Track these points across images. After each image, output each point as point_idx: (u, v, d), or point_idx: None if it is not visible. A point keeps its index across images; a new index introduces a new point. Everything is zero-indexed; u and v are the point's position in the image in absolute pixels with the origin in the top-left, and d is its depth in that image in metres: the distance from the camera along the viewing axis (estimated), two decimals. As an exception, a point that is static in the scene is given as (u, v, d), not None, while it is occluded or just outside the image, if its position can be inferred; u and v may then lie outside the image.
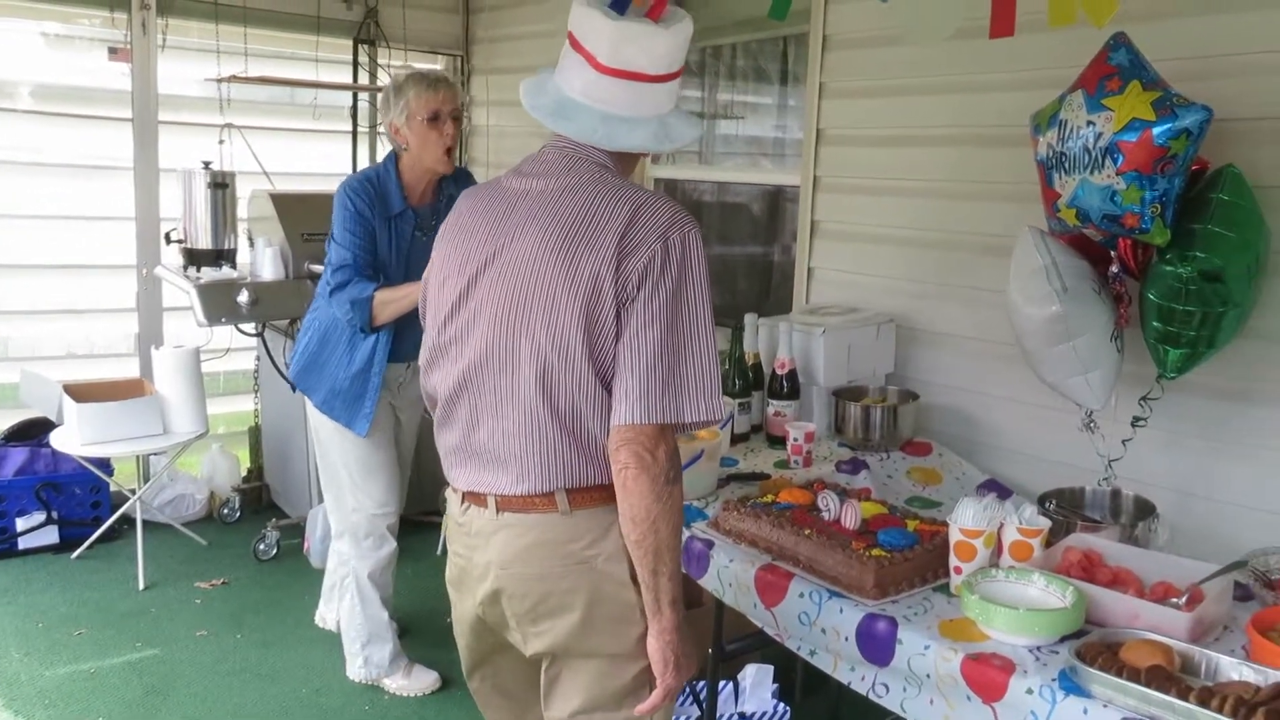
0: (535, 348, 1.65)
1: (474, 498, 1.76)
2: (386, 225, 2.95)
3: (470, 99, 5.31)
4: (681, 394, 1.62)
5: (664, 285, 1.61)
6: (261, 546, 4.15)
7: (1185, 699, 1.50)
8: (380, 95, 3.06)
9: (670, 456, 1.62)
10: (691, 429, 1.68)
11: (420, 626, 3.60)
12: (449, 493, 1.84)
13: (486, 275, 1.71)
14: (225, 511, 4.54)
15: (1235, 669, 1.62)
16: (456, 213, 1.83)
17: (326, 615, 3.60)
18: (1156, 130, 2.04)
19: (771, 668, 2.83)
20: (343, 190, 2.94)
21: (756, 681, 2.83)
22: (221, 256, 4.21)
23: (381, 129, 5.08)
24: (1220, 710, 1.47)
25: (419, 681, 3.22)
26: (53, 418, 4.19)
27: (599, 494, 1.69)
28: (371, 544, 3.14)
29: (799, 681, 3.06)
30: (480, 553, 1.76)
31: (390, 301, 2.87)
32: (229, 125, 4.53)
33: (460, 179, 3.08)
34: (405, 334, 2.94)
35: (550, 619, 1.72)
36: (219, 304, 3.89)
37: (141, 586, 3.89)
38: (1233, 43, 2.34)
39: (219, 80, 4.49)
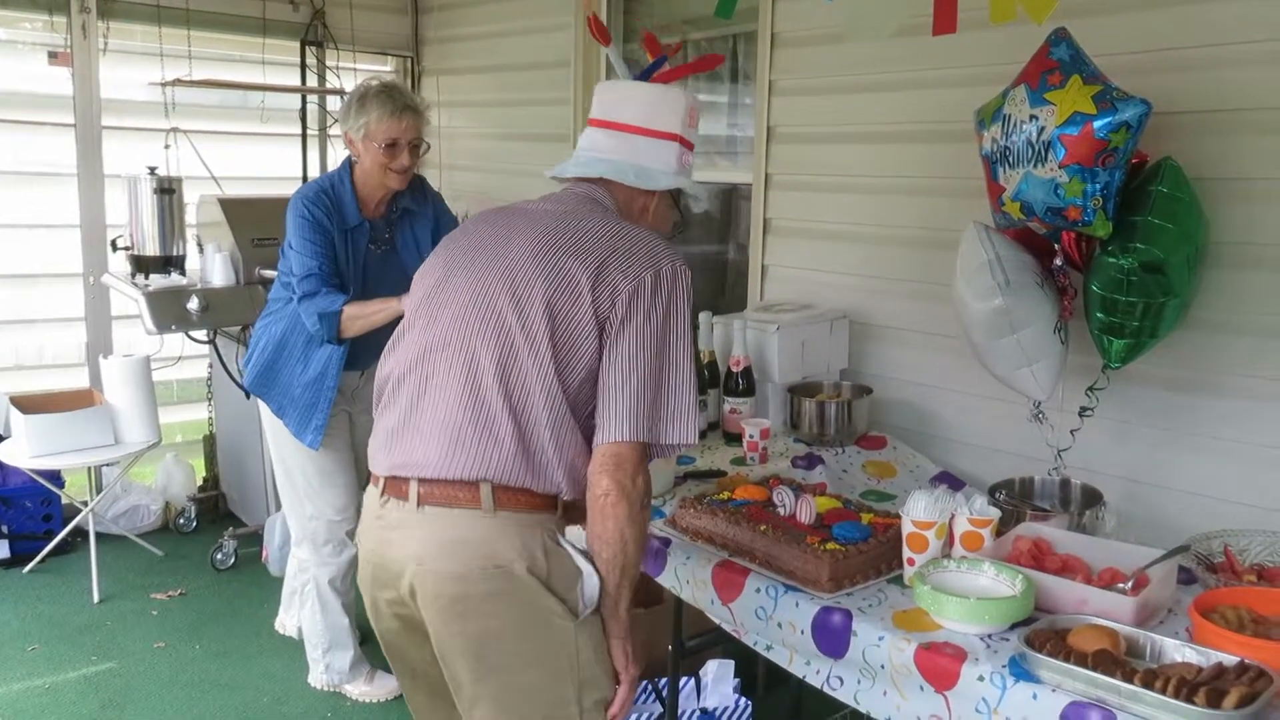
0: (500, 330, 1.74)
1: (395, 487, 1.77)
2: (344, 237, 2.90)
3: (421, 98, 5.27)
4: (664, 417, 1.75)
5: (655, 312, 1.73)
6: (219, 556, 4.11)
7: (1130, 681, 1.53)
8: (343, 100, 3.00)
9: (646, 486, 1.74)
10: (669, 451, 1.80)
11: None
12: (369, 489, 1.85)
13: (469, 263, 1.83)
14: (181, 521, 4.49)
15: (1178, 651, 1.66)
16: (465, 221, 1.98)
17: (287, 623, 3.58)
18: (1097, 124, 2.08)
19: (732, 663, 2.85)
20: (299, 199, 2.89)
21: (718, 677, 2.84)
22: (170, 263, 4.15)
23: (335, 132, 5.07)
24: (1164, 691, 1.50)
25: (381, 688, 3.21)
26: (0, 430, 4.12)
27: (525, 499, 1.72)
28: (331, 550, 3.12)
29: (761, 676, 3.08)
30: (396, 547, 1.75)
31: (359, 317, 2.82)
32: (175, 130, 4.47)
33: (415, 189, 3.04)
34: (361, 341, 2.90)
35: (464, 621, 1.70)
36: (168, 311, 3.84)
37: (96, 600, 3.83)
38: (1170, 37, 2.39)
39: (163, 84, 4.43)
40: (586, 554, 1.76)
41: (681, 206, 2.08)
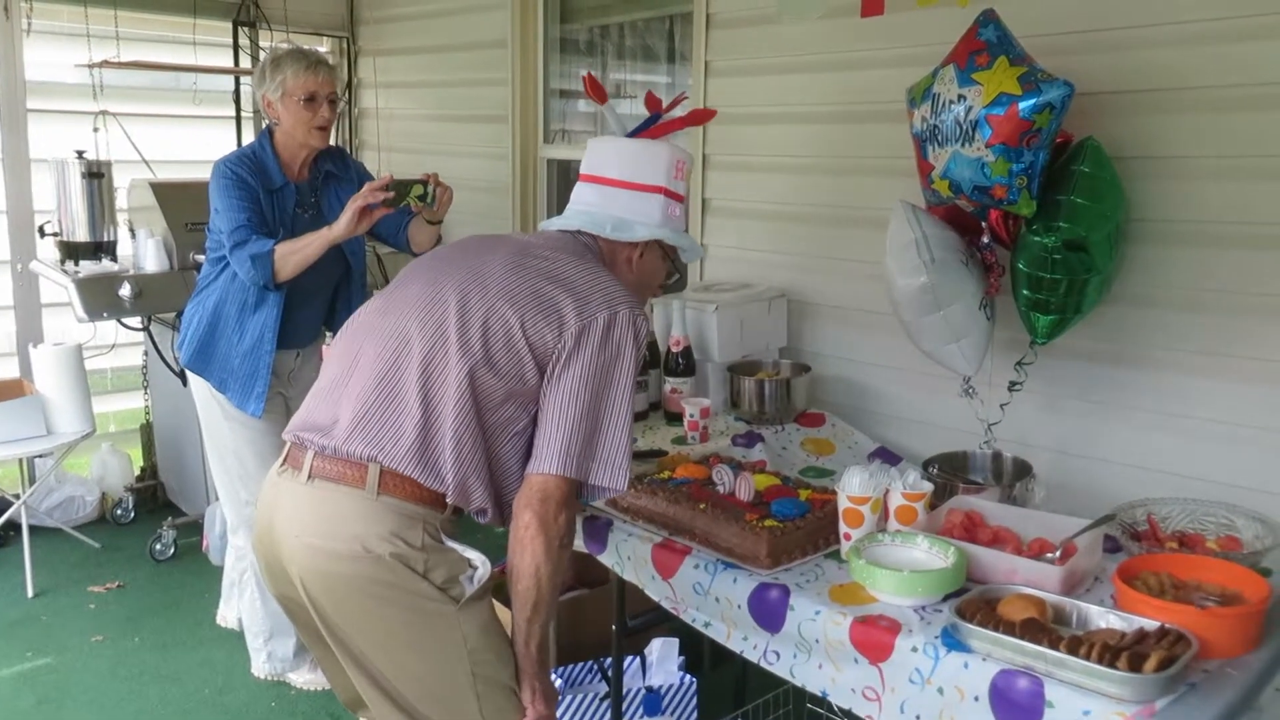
0: (438, 327, 1.77)
1: (294, 457, 1.81)
2: (270, 199, 2.90)
3: (359, 80, 5.21)
4: (597, 458, 1.77)
5: (603, 354, 1.77)
6: (158, 546, 4.05)
7: (1056, 648, 1.58)
8: (257, 67, 3.01)
9: (568, 524, 1.76)
10: (597, 494, 1.83)
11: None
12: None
13: (443, 266, 1.90)
14: (119, 512, 4.41)
15: (1103, 617, 1.71)
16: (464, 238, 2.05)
17: (228, 614, 3.53)
18: (1022, 105, 2.12)
19: (677, 640, 2.88)
20: (221, 164, 2.89)
21: (663, 655, 2.87)
22: (101, 249, 4.06)
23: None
24: (1088, 657, 1.55)
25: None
26: (-74, 423, 4.00)
27: (411, 489, 1.74)
28: None
29: (706, 654, 3.11)
30: (281, 516, 1.79)
31: (293, 252, 2.77)
32: (103, 112, 4.36)
33: (335, 156, 3.06)
34: (296, 319, 2.91)
35: (336, 599, 1.73)
36: (100, 298, 3.76)
37: (31, 594, 3.76)
38: (1092, 19, 2.44)
39: (90, 66, 4.32)
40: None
41: (679, 264, 2.13)
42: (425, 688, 1.76)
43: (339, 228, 2.69)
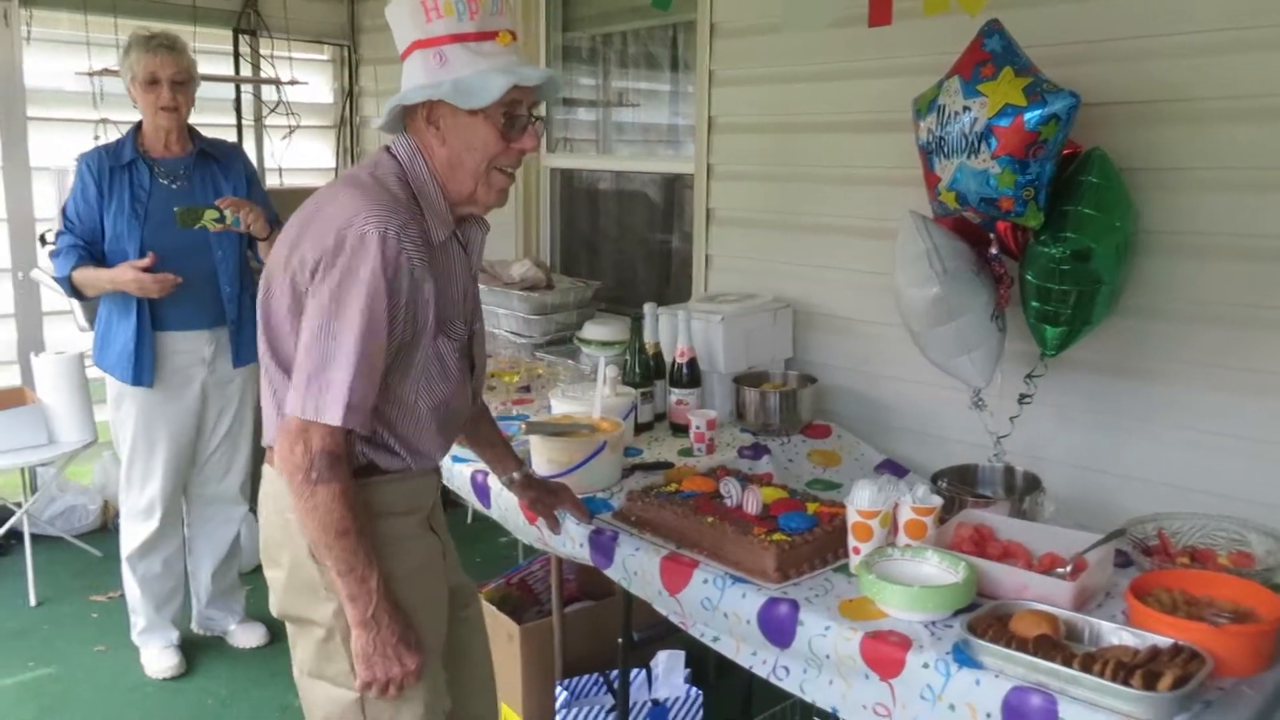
0: (262, 305, 1.76)
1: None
2: (122, 173, 3.05)
3: (360, 89, 5.21)
4: (315, 390, 1.62)
5: (329, 280, 1.61)
6: (159, 556, 4.03)
7: (1069, 665, 1.57)
8: None
9: (307, 455, 1.62)
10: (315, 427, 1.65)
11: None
12: None
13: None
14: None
15: (1115, 634, 1.70)
16: None
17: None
18: (1028, 116, 2.11)
19: (683, 654, 2.87)
20: (77, 158, 3.11)
21: (669, 668, 2.85)
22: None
23: (271, 123, 4.98)
24: (1101, 674, 1.54)
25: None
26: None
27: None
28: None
29: (712, 666, 3.10)
30: None
31: (89, 284, 3.02)
32: (104, 120, 4.35)
33: (224, 148, 3.26)
34: (179, 298, 3.04)
35: (269, 569, 1.83)
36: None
37: (33, 603, 3.75)
38: (1098, 29, 2.43)
39: (90, 74, 4.31)
40: None
41: (521, 113, 1.73)
42: (313, 659, 1.82)
43: (121, 278, 2.96)
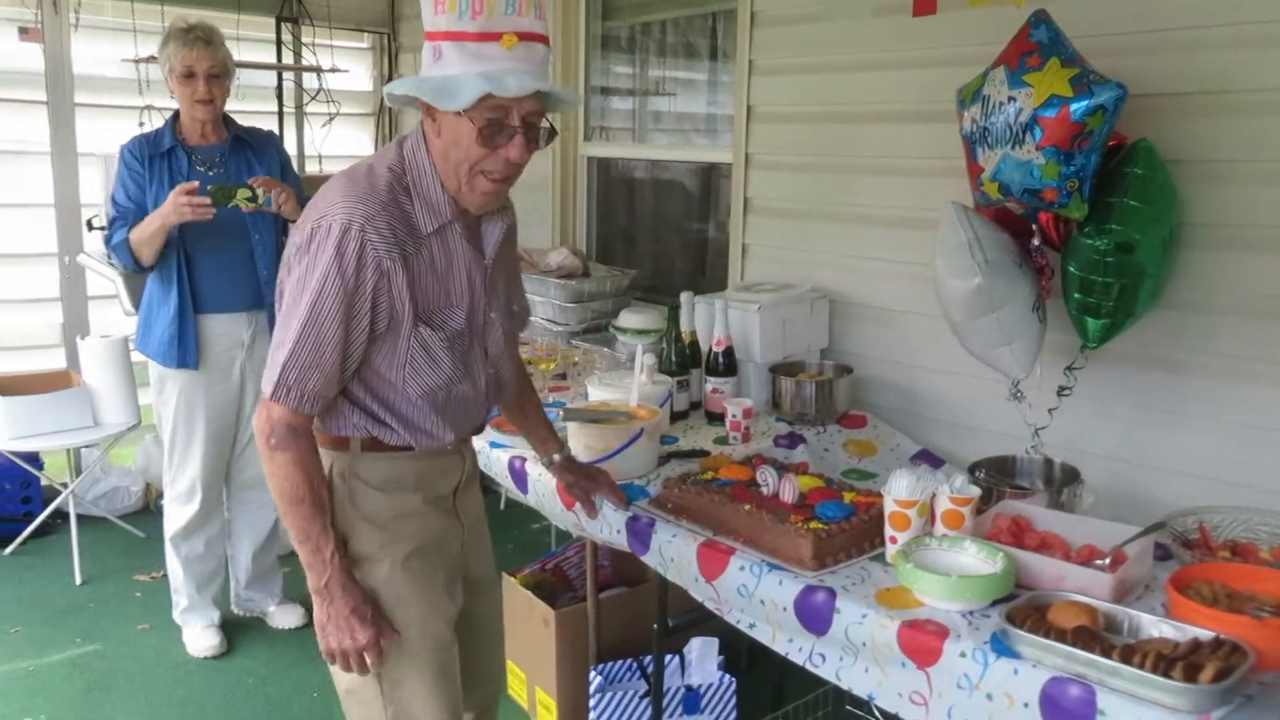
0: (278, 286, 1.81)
1: None
2: (162, 160, 3.11)
3: (399, 76, 5.24)
4: (269, 367, 1.71)
5: (297, 269, 1.69)
6: (200, 537, 4.10)
7: (1109, 656, 1.57)
8: None
9: (269, 422, 1.70)
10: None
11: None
12: None
13: None
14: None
15: (1155, 626, 1.70)
16: None
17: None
18: (1074, 107, 2.10)
19: (716, 640, 2.88)
20: (120, 148, 3.15)
21: (702, 654, 2.87)
22: (147, 243, 4.11)
23: (312, 110, 5.03)
24: (1141, 666, 1.53)
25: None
26: (-24, 413, 4.08)
27: (322, 437, 1.82)
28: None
29: (745, 653, 3.12)
30: None
31: (143, 241, 3.01)
32: (149, 107, 4.41)
33: (257, 135, 3.30)
34: (217, 281, 3.12)
35: None
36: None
37: (78, 582, 3.83)
38: (1145, 20, 2.40)
39: (136, 61, 4.37)
40: None
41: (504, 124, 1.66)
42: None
43: (165, 209, 2.96)
